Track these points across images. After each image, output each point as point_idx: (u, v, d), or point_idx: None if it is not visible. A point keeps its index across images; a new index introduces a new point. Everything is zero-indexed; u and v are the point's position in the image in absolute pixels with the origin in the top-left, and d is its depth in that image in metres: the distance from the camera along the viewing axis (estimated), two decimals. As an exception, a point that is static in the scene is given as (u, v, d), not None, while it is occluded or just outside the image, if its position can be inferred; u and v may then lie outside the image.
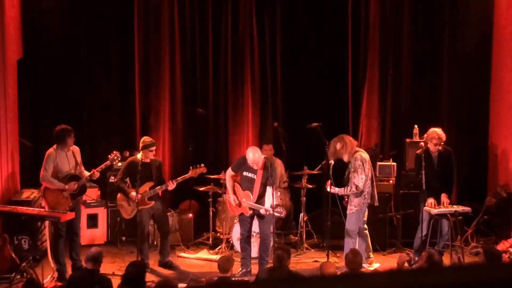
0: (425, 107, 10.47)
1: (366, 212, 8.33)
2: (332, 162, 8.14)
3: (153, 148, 8.40)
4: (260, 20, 10.67)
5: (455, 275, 1.78)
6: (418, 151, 8.35)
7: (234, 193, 8.18)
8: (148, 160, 8.35)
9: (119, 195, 8.46)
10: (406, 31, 10.43)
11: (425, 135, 8.31)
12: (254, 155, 7.90)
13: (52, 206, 7.85)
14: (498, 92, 9.72)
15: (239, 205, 8.15)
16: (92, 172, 8.09)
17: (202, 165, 8.43)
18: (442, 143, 8.19)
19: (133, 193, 8.15)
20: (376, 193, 8.29)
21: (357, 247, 8.12)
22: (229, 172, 8.25)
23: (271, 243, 8.20)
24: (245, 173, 8.12)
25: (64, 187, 7.87)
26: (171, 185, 8.26)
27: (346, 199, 8.26)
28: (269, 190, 7.95)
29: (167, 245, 8.60)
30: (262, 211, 7.94)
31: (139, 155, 8.39)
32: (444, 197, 8.14)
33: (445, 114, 10.26)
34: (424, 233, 8.20)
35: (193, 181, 9.01)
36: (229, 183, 8.25)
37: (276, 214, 7.84)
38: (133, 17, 10.43)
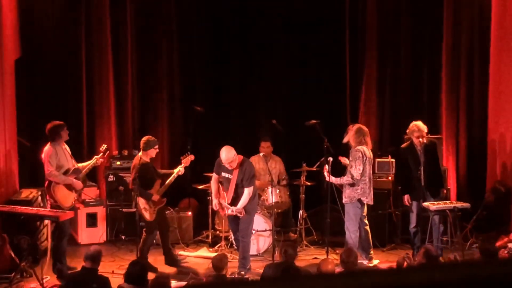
0: (423, 103, 10.46)
1: (365, 208, 8.33)
2: (330, 159, 8.16)
3: (157, 146, 8.34)
4: (259, 18, 10.65)
5: (453, 272, 1.78)
6: (402, 146, 8.38)
7: (217, 196, 8.16)
8: (148, 160, 8.30)
9: (139, 199, 8.11)
10: (404, 29, 10.42)
11: (407, 131, 8.35)
12: (225, 154, 7.82)
13: (61, 201, 7.85)
14: (497, 88, 9.70)
15: (222, 207, 8.15)
16: (96, 160, 8.10)
17: (188, 152, 8.52)
18: (424, 136, 8.18)
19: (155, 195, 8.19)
20: (372, 194, 8.29)
21: (357, 244, 8.12)
22: (213, 175, 8.24)
23: (249, 244, 8.20)
24: (223, 174, 8.07)
25: (72, 180, 7.89)
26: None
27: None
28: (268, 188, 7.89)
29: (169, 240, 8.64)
30: (229, 211, 7.96)
31: (140, 154, 8.18)
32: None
33: (443, 110, 10.25)
34: (413, 225, 8.31)
35: (192, 179, 9.00)
36: (213, 187, 8.24)
37: (237, 214, 7.89)
38: (128, 16, 10.42)
